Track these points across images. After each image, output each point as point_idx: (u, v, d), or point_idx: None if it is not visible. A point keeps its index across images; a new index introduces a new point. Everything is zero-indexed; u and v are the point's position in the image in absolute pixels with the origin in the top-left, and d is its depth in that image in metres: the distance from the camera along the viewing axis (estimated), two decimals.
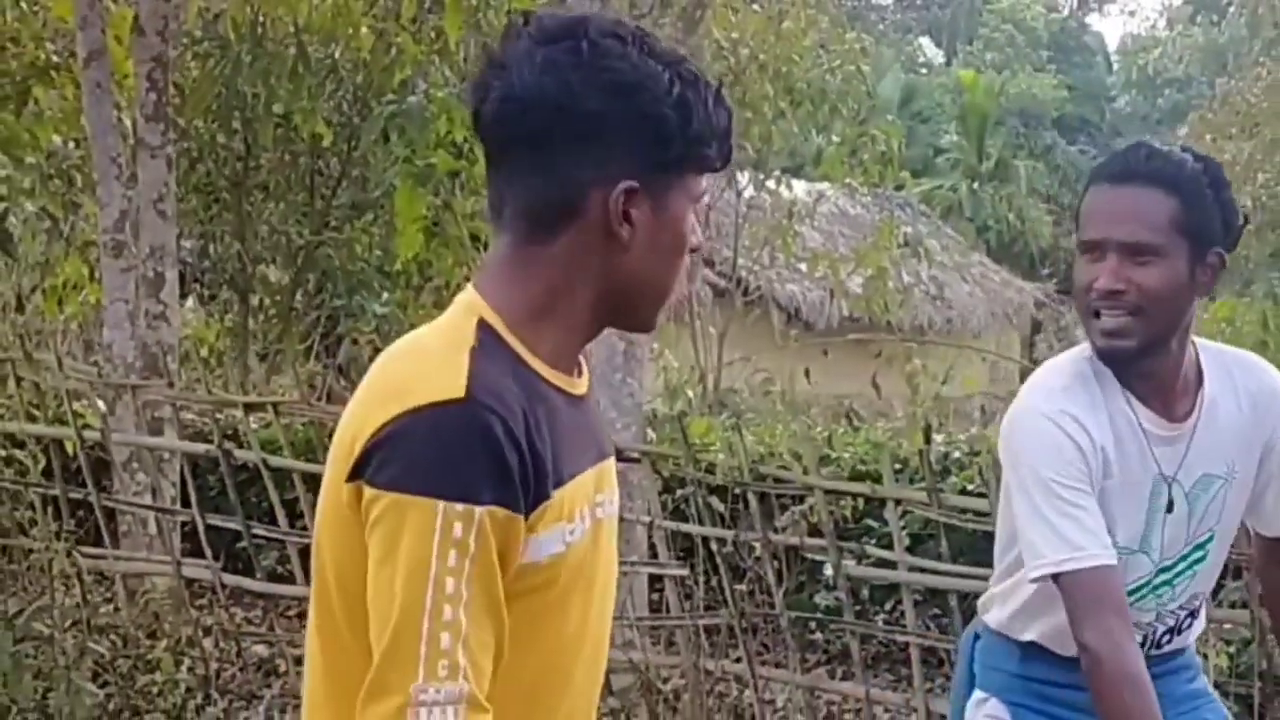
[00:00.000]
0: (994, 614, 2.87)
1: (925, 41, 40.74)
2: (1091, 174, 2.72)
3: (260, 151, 10.47)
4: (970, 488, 5.99)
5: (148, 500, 6.58)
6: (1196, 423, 2.71)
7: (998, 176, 30.16)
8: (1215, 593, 2.94)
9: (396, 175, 9.29)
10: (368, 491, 1.72)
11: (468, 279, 2.75)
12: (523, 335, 1.82)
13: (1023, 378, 3.57)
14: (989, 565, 3.00)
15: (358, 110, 10.00)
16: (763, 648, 5.93)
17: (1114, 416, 2.66)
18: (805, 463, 5.44)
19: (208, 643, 6.09)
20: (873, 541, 5.73)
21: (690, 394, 9.80)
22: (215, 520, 6.07)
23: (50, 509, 6.24)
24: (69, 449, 6.42)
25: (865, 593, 6.31)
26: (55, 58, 8.78)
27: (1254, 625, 4.53)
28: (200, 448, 6.32)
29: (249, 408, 6.32)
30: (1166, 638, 2.83)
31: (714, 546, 5.42)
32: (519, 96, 1.79)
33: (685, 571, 5.52)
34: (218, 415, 6.51)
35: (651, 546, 5.75)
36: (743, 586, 5.53)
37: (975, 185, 29.81)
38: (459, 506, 1.68)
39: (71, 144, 9.18)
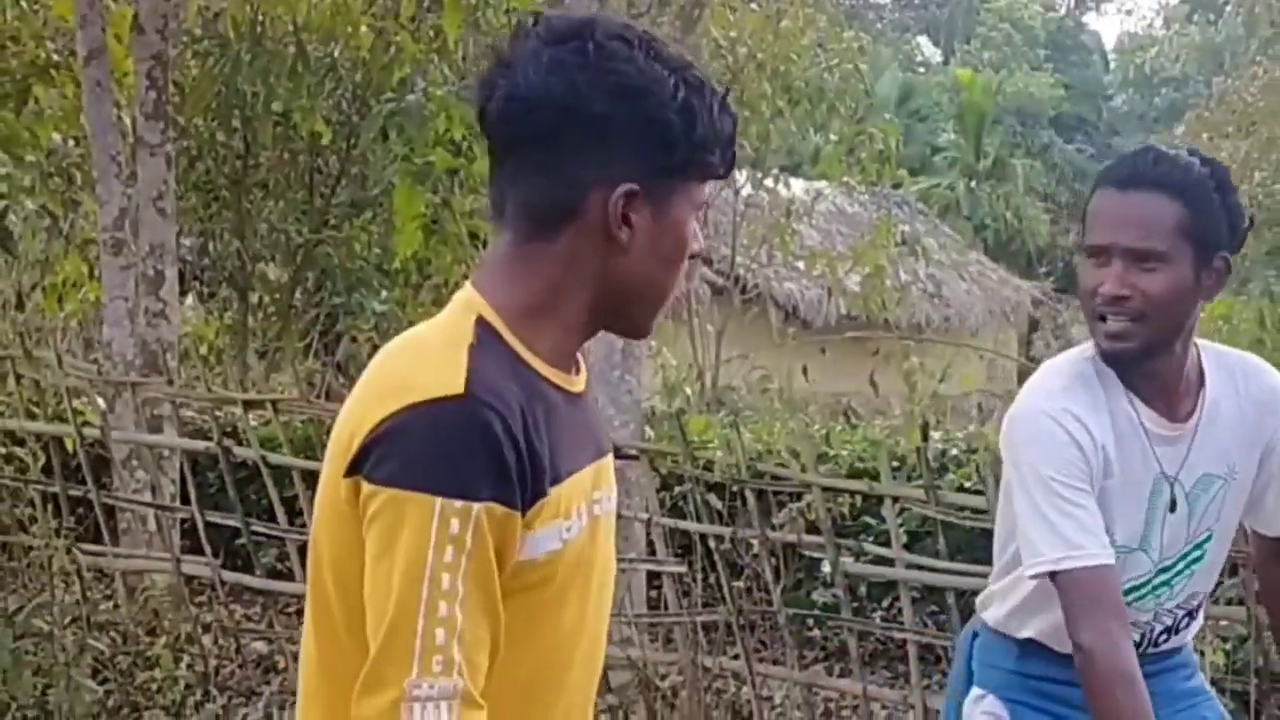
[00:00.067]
0: (992, 611, 2.88)
1: (923, 40, 40.73)
2: (1098, 177, 2.73)
3: (259, 150, 10.48)
4: (968, 485, 6.00)
5: (147, 497, 6.58)
6: (1198, 423, 2.72)
7: (995, 175, 30.16)
8: (1212, 590, 2.95)
9: (395, 173, 9.28)
10: (366, 487, 1.73)
11: (466, 277, 2.76)
12: (521, 333, 1.83)
13: (1020, 376, 3.59)
14: (986, 563, 3.01)
15: (357, 108, 10.00)
16: (760, 645, 5.94)
17: (1116, 416, 2.67)
18: (803, 460, 5.45)
19: (207, 639, 6.09)
20: (870, 539, 5.74)
21: (688, 391, 9.81)
22: (214, 517, 6.06)
23: (50, 506, 6.25)
24: (69, 446, 6.42)
25: (863, 590, 6.30)
26: (55, 56, 8.78)
27: (1250, 622, 4.54)
28: (200, 445, 6.32)
29: (248, 405, 6.33)
30: (1164, 636, 2.84)
31: (712, 544, 5.42)
32: (524, 96, 1.79)
33: (683, 568, 5.52)
34: (217, 413, 6.51)
35: (649, 543, 5.75)
36: (741, 583, 5.54)
37: (972, 184, 29.81)
38: (456, 503, 1.69)
39: (71, 142, 9.18)
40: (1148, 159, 2.65)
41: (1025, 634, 2.82)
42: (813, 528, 5.41)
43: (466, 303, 1.85)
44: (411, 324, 2.02)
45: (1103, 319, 2.64)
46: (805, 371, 9.92)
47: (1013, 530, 2.72)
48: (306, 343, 11.12)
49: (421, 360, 1.79)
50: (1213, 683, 3.47)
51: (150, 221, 7.37)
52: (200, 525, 5.99)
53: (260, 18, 9.44)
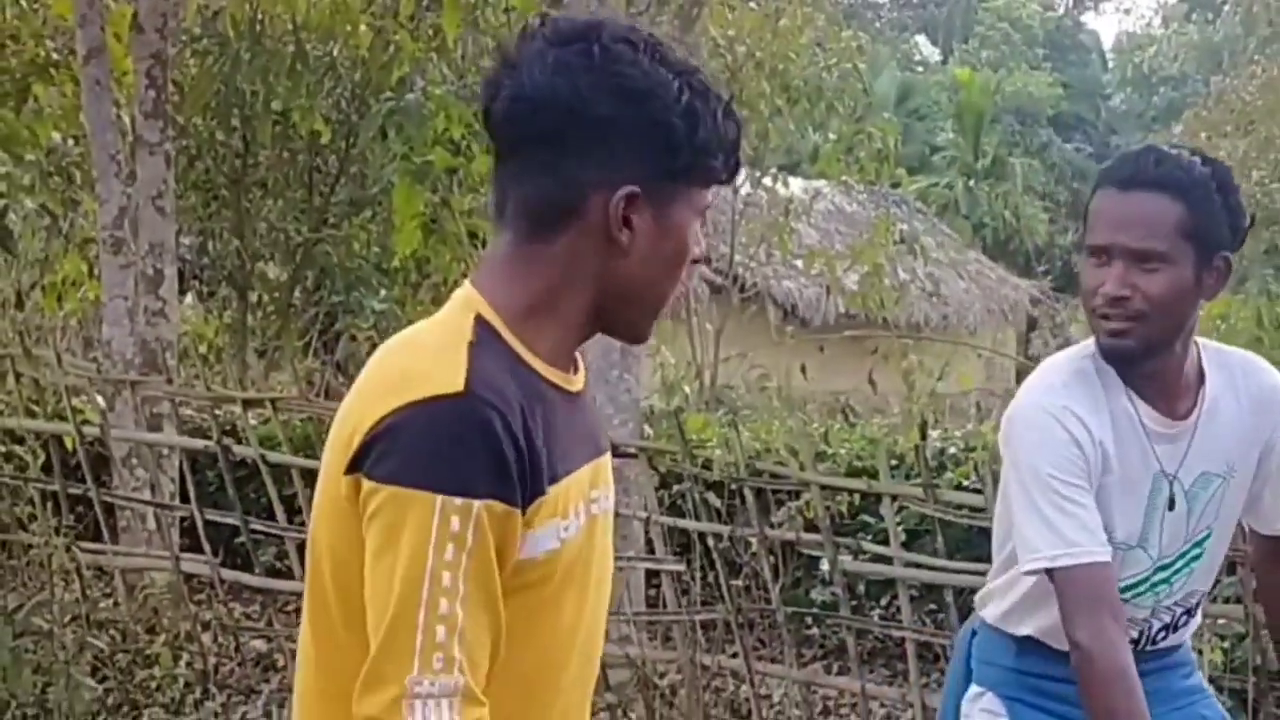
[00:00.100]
0: (991, 609, 2.88)
1: (921, 39, 40.73)
2: (1099, 176, 2.73)
3: (259, 148, 10.48)
4: (966, 483, 6.00)
5: (146, 496, 6.58)
6: (1197, 421, 2.73)
7: (993, 174, 30.17)
8: (1210, 589, 2.95)
9: (394, 172, 9.28)
10: (366, 484, 1.73)
11: (465, 276, 2.76)
12: (520, 332, 1.83)
13: (1019, 374, 3.59)
14: (984, 560, 3.01)
15: (356, 107, 10.00)
16: (759, 643, 5.95)
17: (1115, 413, 2.67)
18: (801, 458, 5.45)
19: (206, 638, 6.10)
20: (869, 537, 5.74)
21: (687, 390, 9.82)
22: (214, 516, 6.07)
23: (49, 504, 6.25)
24: (68, 445, 6.43)
25: (861, 588, 6.32)
26: (55, 55, 8.78)
27: (1248, 620, 4.55)
28: (199, 443, 6.32)
29: (247, 404, 6.33)
30: (1162, 634, 2.84)
31: (711, 542, 5.42)
32: (529, 96, 1.80)
33: (682, 567, 5.53)
34: (216, 411, 6.51)
35: (648, 542, 5.75)
36: (739, 582, 5.54)
37: (971, 183, 29.82)
38: (457, 500, 1.69)
39: (71, 141, 9.18)
40: (1149, 159, 2.65)
41: (1023, 631, 2.82)
42: (811, 526, 5.41)
43: (465, 301, 1.85)
44: (410, 323, 2.02)
45: (1104, 318, 2.64)
46: (804, 370, 9.93)
47: (1011, 528, 2.73)
48: (306, 341, 11.13)
49: (421, 358, 1.79)
50: (1211, 681, 3.48)
51: (149, 220, 7.37)
52: (199, 523, 5.99)
53: (259, 16, 9.44)
